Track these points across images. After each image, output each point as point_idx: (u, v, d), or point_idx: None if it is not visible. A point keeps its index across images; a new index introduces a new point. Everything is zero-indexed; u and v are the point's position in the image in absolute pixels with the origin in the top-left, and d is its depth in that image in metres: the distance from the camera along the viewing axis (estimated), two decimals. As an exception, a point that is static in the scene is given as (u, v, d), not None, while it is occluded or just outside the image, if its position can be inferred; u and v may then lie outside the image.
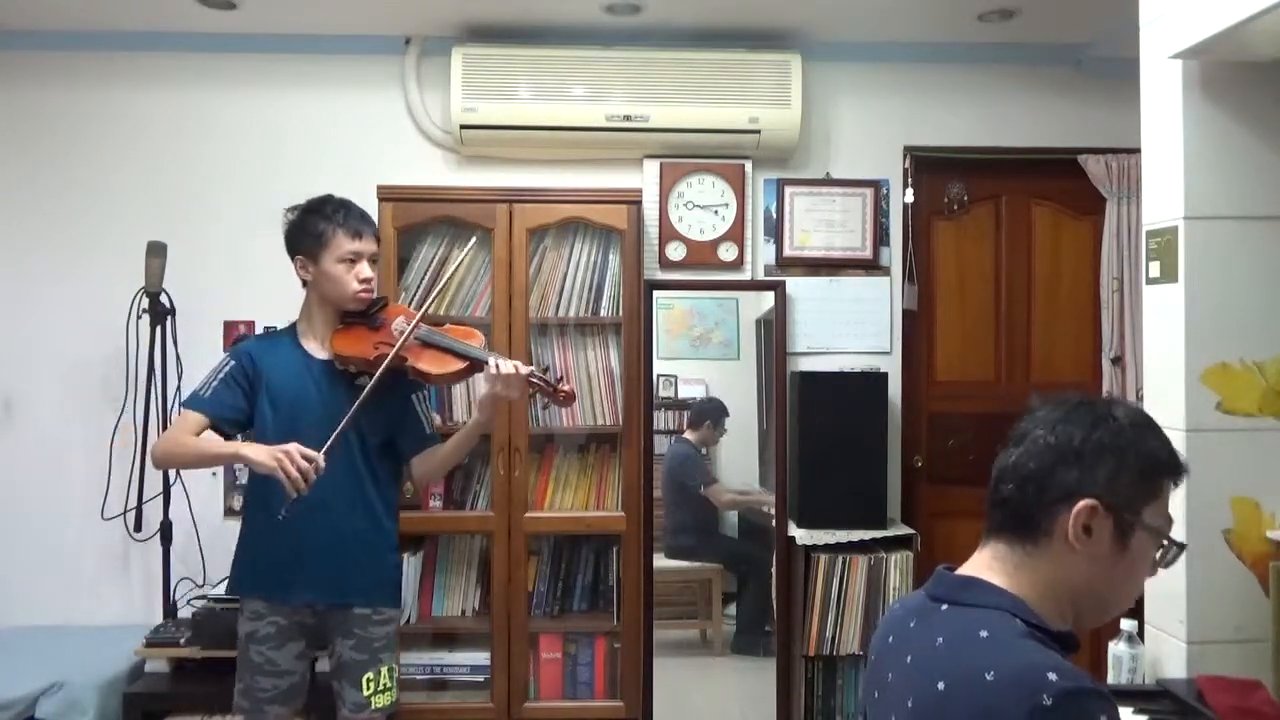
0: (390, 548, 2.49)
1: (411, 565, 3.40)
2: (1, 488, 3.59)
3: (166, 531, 3.35)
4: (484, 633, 3.38)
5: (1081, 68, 3.73)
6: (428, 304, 2.63)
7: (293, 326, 2.50)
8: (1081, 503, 1.18)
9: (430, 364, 2.40)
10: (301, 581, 2.37)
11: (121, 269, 3.43)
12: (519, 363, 2.39)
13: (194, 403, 2.38)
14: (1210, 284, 2.02)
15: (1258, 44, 1.86)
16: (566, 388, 2.42)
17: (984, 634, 1.14)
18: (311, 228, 2.40)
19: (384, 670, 2.44)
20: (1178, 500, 1.29)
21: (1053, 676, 1.05)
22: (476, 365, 2.40)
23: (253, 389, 2.39)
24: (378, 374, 2.31)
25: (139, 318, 3.37)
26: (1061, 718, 1.03)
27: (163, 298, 3.37)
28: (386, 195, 3.34)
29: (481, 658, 3.38)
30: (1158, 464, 1.22)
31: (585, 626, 3.48)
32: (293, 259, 2.45)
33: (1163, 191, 2.09)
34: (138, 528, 3.37)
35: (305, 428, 2.31)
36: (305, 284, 2.46)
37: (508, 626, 3.34)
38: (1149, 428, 1.24)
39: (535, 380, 2.39)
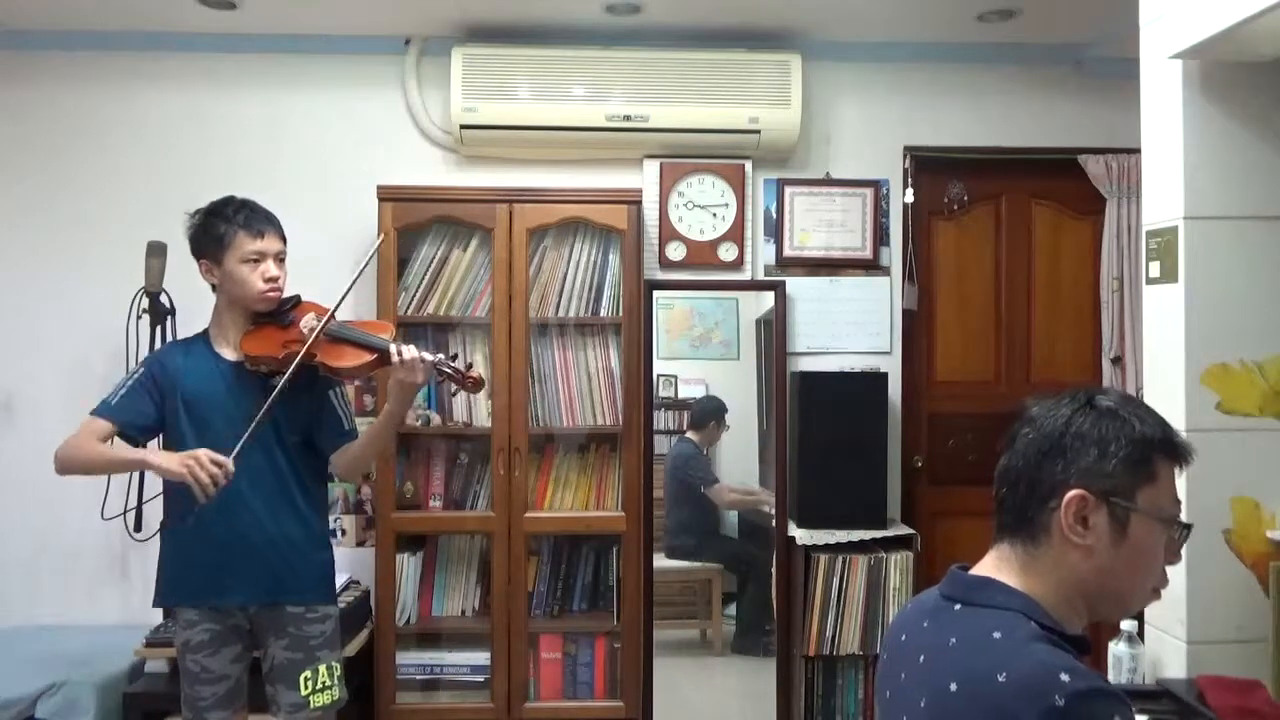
0: (320, 545, 2.46)
1: (411, 565, 3.41)
2: (1, 488, 3.59)
3: (166, 532, 3.35)
4: (484, 633, 3.38)
5: (1081, 68, 3.73)
6: (339, 301, 2.47)
7: (207, 330, 2.47)
8: (1069, 494, 1.18)
9: (339, 359, 2.38)
10: (231, 585, 2.35)
11: (121, 269, 3.43)
12: (426, 352, 2.35)
13: (101, 409, 2.35)
14: (1210, 284, 2.02)
15: (1258, 44, 1.86)
16: (474, 374, 2.40)
17: (997, 635, 1.14)
18: (212, 230, 2.37)
19: (323, 668, 2.40)
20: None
21: (1065, 678, 1.05)
22: (386, 356, 2.37)
23: (163, 396, 2.37)
24: (288, 373, 2.30)
25: (139, 318, 3.36)
26: (1074, 719, 1.03)
27: (163, 298, 3.37)
28: (386, 195, 3.34)
29: (481, 658, 3.38)
30: (1147, 445, 1.19)
31: (585, 626, 3.49)
32: (198, 263, 2.42)
33: (1163, 191, 2.09)
34: (137, 528, 3.36)
35: (218, 431, 2.30)
36: (214, 288, 2.43)
37: (508, 626, 3.34)
38: (1135, 410, 1.21)
39: (444, 369, 2.37)
